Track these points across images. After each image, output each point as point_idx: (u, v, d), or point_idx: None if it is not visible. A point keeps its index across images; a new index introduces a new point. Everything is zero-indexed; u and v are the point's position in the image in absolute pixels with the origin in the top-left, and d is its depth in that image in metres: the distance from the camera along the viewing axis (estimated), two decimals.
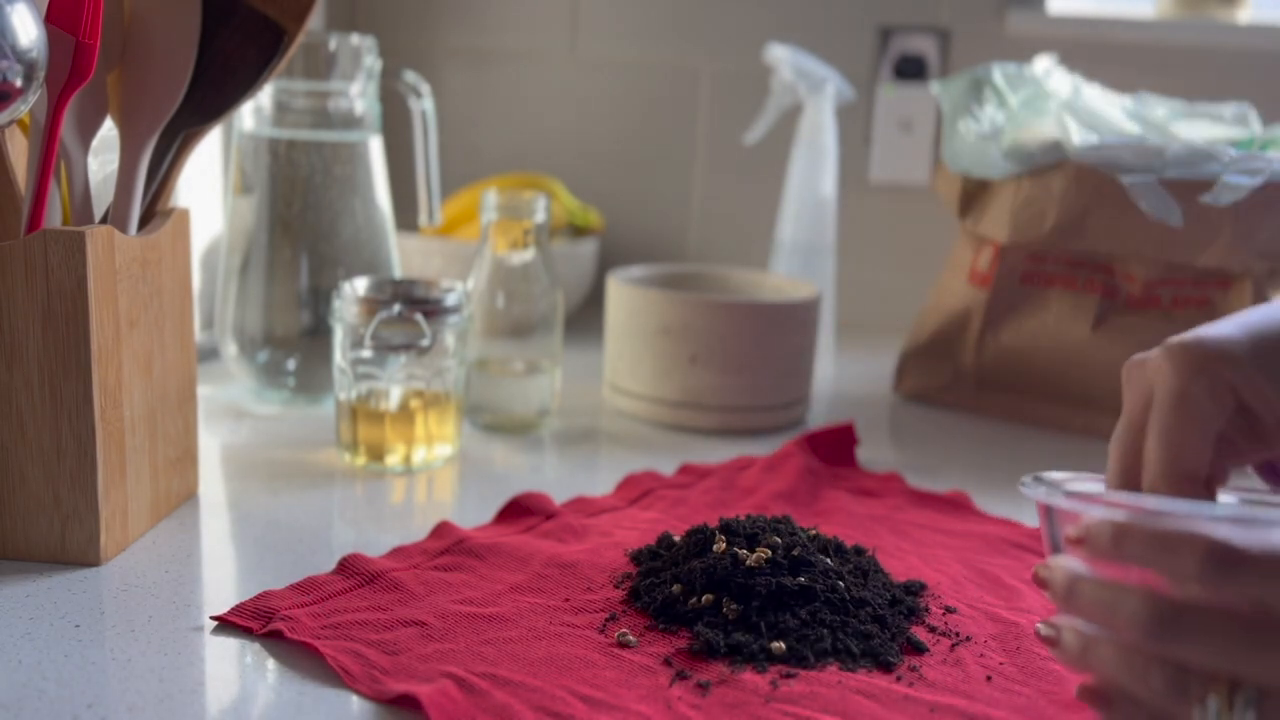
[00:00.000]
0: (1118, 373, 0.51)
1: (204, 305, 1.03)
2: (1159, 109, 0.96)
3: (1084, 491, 0.44)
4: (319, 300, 0.84)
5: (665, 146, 1.32)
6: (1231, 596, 0.36)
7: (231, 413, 0.84)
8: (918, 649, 0.51)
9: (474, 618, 0.52)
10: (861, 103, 1.22)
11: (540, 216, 0.82)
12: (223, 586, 0.55)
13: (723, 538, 0.56)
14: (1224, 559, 0.36)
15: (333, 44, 0.83)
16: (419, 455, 0.74)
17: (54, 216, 0.56)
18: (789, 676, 0.48)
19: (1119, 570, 0.40)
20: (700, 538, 0.57)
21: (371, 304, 0.71)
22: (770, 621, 0.51)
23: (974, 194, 0.95)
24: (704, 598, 0.52)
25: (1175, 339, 0.45)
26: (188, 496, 0.66)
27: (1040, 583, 0.43)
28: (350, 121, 0.85)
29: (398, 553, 0.59)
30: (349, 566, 0.56)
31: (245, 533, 0.62)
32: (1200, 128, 0.92)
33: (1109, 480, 0.48)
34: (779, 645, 0.49)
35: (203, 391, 0.87)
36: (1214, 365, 0.44)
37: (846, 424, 0.80)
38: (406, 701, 0.44)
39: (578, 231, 1.23)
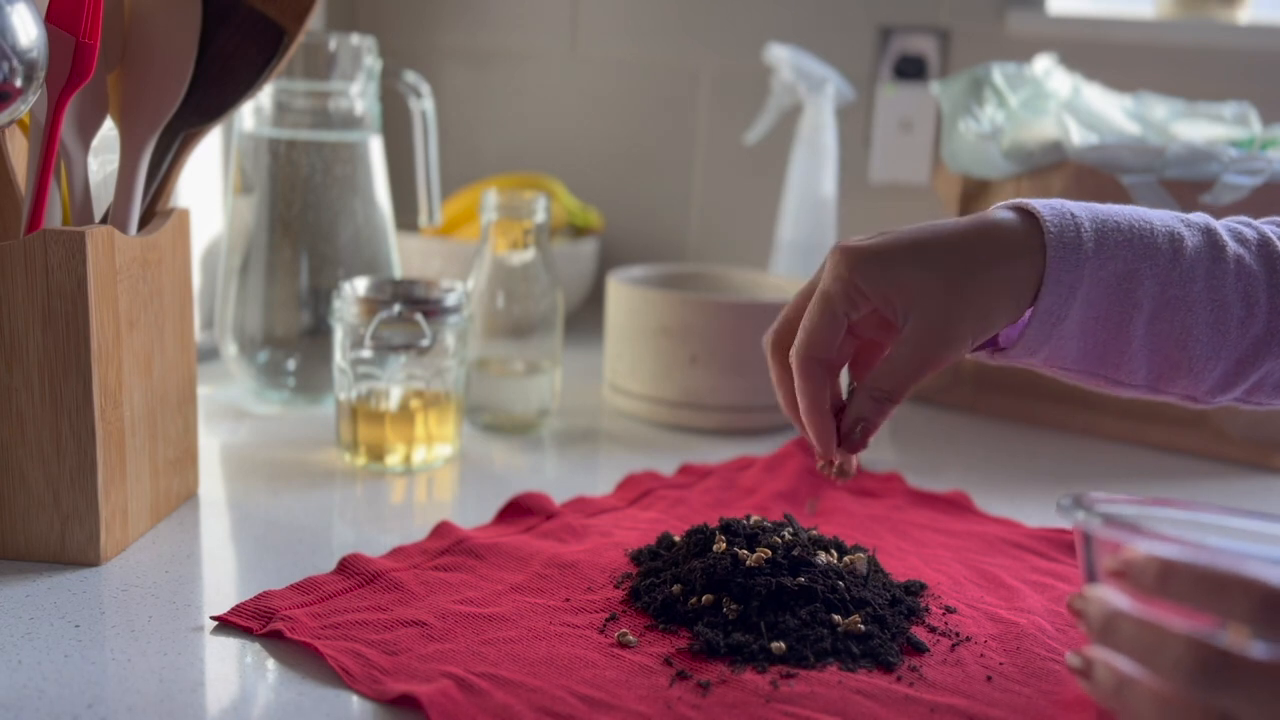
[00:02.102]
0: None
1: (204, 305, 1.03)
2: (1159, 109, 0.96)
3: (1123, 517, 0.43)
4: (319, 300, 0.84)
5: (665, 146, 1.32)
6: None
7: (231, 413, 0.84)
8: (918, 649, 0.51)
9: (474, 618, 0.52)
10: (861, 103, 1.22)
11: (540, 216, 0.82)
12: (223, 586, 0.55)
13: (723, 538, 0.56)
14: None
15: (333, 44, 0.83)
16: (419, 455, 0.74)
17: (54, 216, 0.56)
18: (789, 676, 0.48)
19: (1161, 607, 0.38)
20: (700, 538, 0.57)
21: (371, 304, 0.71)
22: (770, 621, 0.51)
23: (974, 194, 0.95)
24: (704, 598, 0.52)
25: (841, 242, 0.51)
26: (188, 496, 0.66)
27: (1075, 614, 0.42)
28: (350, 121, 0.85)
29: (398, 553, 0.59)
30: (349, 566, 0.56)
31: (245, 533, 0.62)
32: (1200, 128, 0.92)
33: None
34: (779, 645, 0.49)
35: (203, 391, 0.87)
36: (849, 269, 0.50)
37: None
38: (406, 701, 0.44)
39: (578, 231, 1.23)
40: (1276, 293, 0.50)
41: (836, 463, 0.54)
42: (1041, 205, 0.50)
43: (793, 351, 0.52)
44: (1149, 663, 0.38)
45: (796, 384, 0.52)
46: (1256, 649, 0.35)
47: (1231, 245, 0.51)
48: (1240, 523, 0.45)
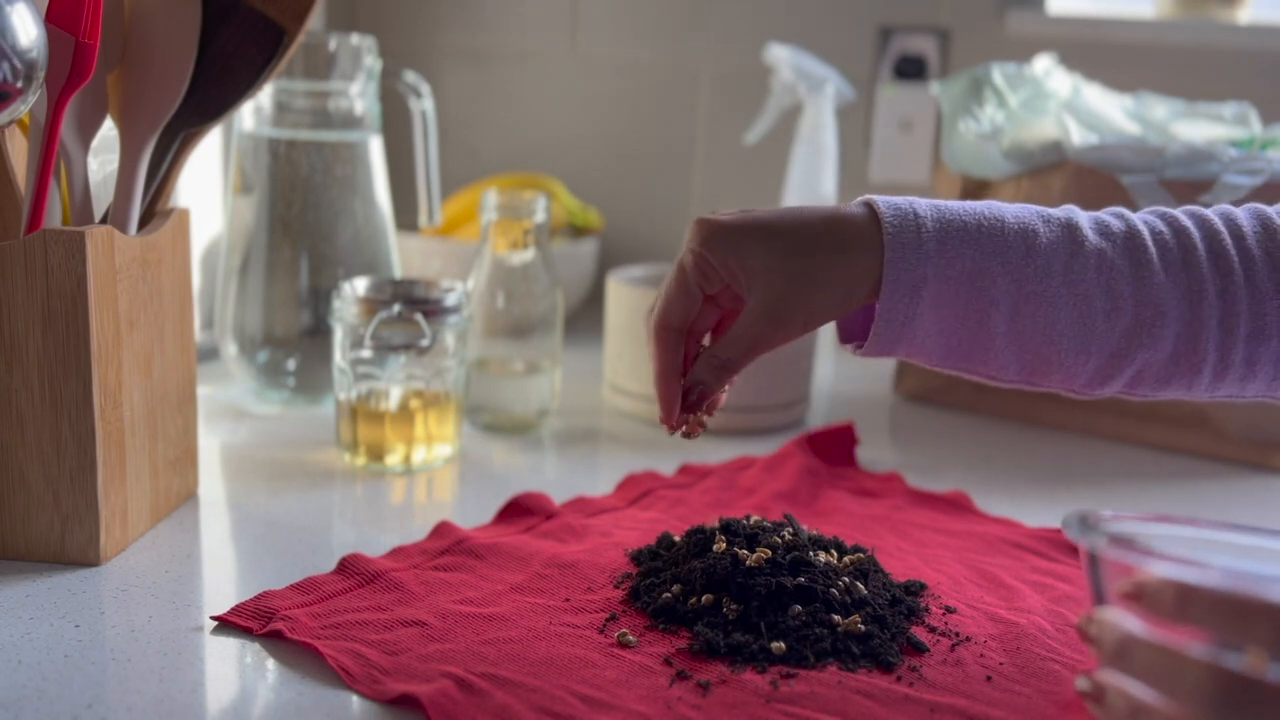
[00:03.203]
0: None
1: (204, 305, 1.03)
2: (1159, 109, 0.96)
3: (1131, 536, 0.42)
4: (319, 300, 0.84)
5: (665, 146, 1.32)
6: None
7: (231, 413, 0.84)
8: (918, 649, 0.51)
9: (474, 618, 0.52)
10: (861, 103, 1.22)
11: (540, 216, 0.82)
12: (223, 586, 0.55)
13: (723, 538, 0.56)
14: None
15: (333, 44, 0.83)
16: (419, 455, 0.74)
17: (54, 216, 0.56)
18: (789, 676, 0.48)
19: (1177, 632, 0.37)
20: (700, 538, 0.57)
21: (371, 304, 0.71)
22: (770, 621, 0.51)
23: (974, 194, 0.94)
24: (704, 598, 0.52)
25: (700, 215, 0.53)
26: (188, 496, 0.66)
27: (1085, 638, 0.41)
28: (350, 121, 0.85)
29: (398, 553, 0.59)
30: (349, 566, 0.56)
31: (245, 533, 0.62)
32: (1200, 128, 0.92)
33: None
34: (779, 645, 0.49)
35: (203, 391, 0.87)
36: (700, 242, 0.52)
37: (846, 424, 0.80)
38: (406, 701, 0.44)
39: (578, 231, 1.23)
40: (1141, 284, 0.50)
41: (679, 430, 0.56)
42: (884, 203, 0.51)
43: (648, 320, 0.55)
44: (1166, 688, 0.37)
45: (649, 349, 0.55)
46: (1277, 673, 0.34)
47: (1092, 239, 0.51)
48: (1246, 539, 0.45)
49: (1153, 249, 0.51)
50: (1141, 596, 0.38)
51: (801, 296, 0.51)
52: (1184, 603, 0.37)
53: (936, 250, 0.50)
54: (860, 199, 0.53)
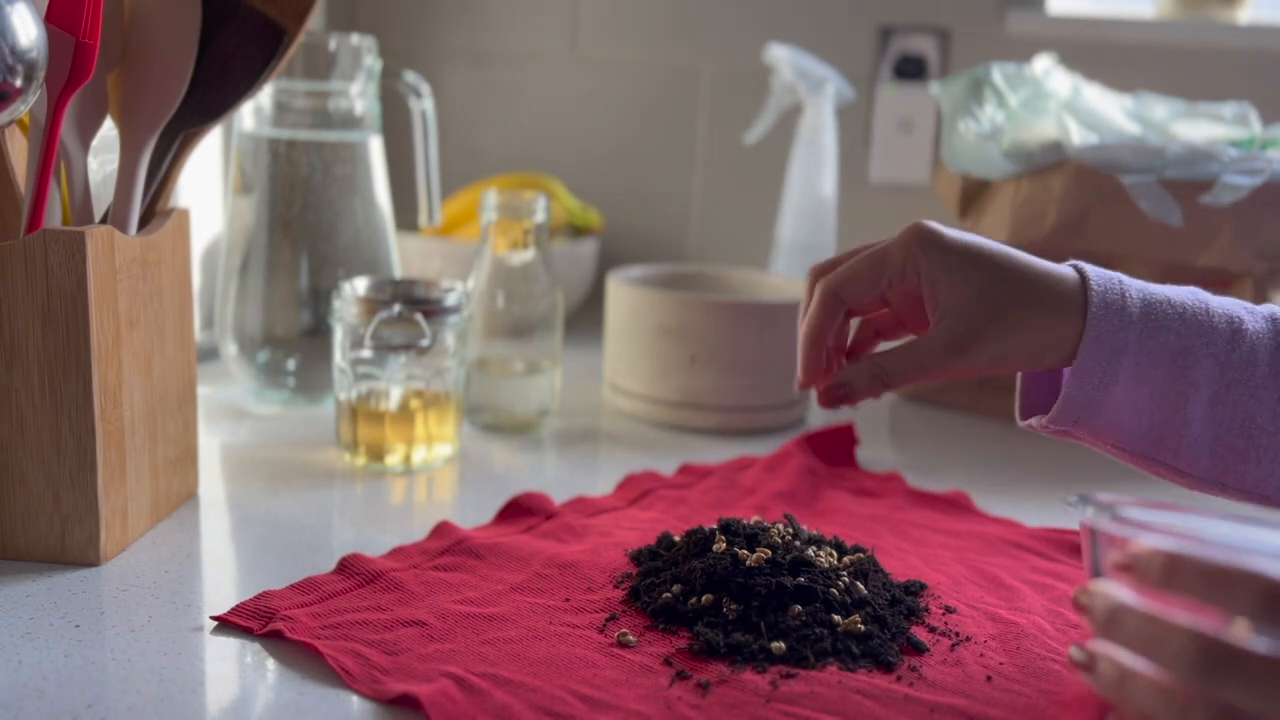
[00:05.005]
0: None
1: (204, 305, 1.03)
2: (1159, 109, 0.96)
3: (1130, 514, 0.43)
4: (319, 300, 0.84)
5: (665, 146, 1.32)
6: None
7: (231, 413, 0.84)
8: (918, 649, 0.51)
9: (474, 618, 0.52)
10: (861, 103, 1.22)
11: (540, 216, 0.82)
12: (223, 586, 0.55)
13: (722, 538, 0.56)
14: None
15: (333, 44, 0.83)
16: (419, 455, 0.74)
17: (54, 216, 0.56)
18: (789, 676, 0.48)
19: (1165, 601, 0.38)
20: (700, 538, 0.57)
21: (371, 304, 0.71)
22: (770, 621, 0.51)
23: (974, 194, 0.95)
24: (704, 598, 0.52)
25: (925, 221, 0.53)
26: (188, 496, 0.66)
27: (1079, 608, 0.42)
28: (350, 121, 0.85)
29: (398, 553, 0.59)
30: (349, 566, 0.56)
31: (245, 533, 0.62)
32: (1200, 128, 0.92)
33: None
34: (779, 645, 0.49)
35: (203, 391, 0.87)
36: (919, 246, 0.51)
37: (846, 424, 0.80)
38: (406, 701, 0.44)
39: (578, 231, 1.23)
40: None
41: (806, 391, 0.56)
42: (1092, 269, 0.51)
43: (823, 281, 0.54)
44: (1151, 654, 0.38)
45: (811, 307, 0.54)
46: (1258, 643, 0.35)
47: None
48: (1243, 530, 0.45)
49: None
50: (1133, 567, 0.39)
51: (995, 336, 0.50)
52: (1172, 572, 0.38)
53: (1141, 318, 0.49)
54: (1069, 262, 0.52)
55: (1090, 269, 0.51)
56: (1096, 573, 0.43)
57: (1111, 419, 0.50)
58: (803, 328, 0.55)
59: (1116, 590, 0.40)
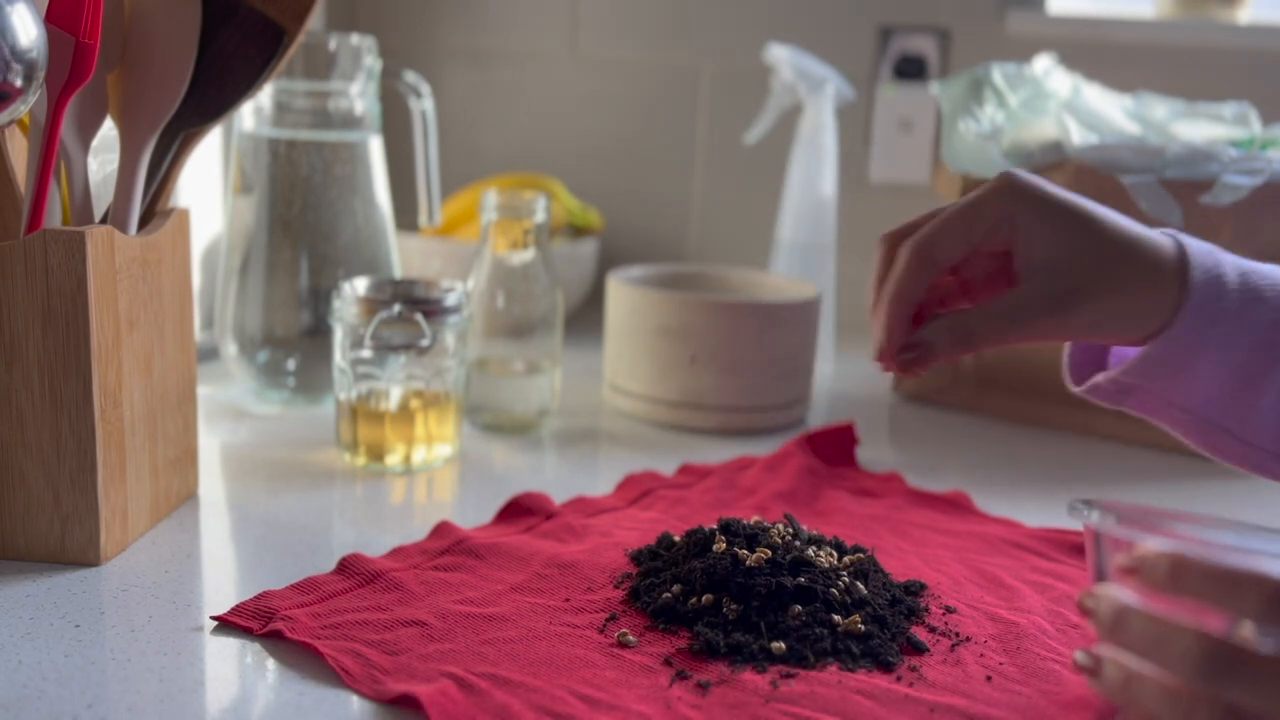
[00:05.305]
0: None
1: (204, 305, 1.03)
2: (1159, 109, 0.96)
3: (1134, 517, 0.43)
4: (319, 300, 0.84)
5: (665, 146, 1.32)
6: None
7: (231, 413, 0.84)
8: (918, 649, 0.51)
9: (474, 618, 0.52)
10: (861, 103, 1.22)
11: (540, 216, 0.82)
12: (223, 586, 0.55)
13: (722, 538, 0.56)
14: None
15: (333, 44, 0.83)
16: (419, 455, 0.74)
17: (54, 216, 0.56)
18: (789, 676, 0.48)
19: (1170, 604, 0.38)
20: (700, 538, 0.57)
21: (371, 304, 0.71)
22: (770, 621, 0.51)
23: None
24: (704, 598, 0.52)
25: (1015, 171, 0.50)
26: (187, 496, 0.66)
27: (1084, 612, 0.42)
28: (350, 121, 0.85)
29: (398, 553, 0.59)
30: (349, 566, 0.56)
31: (245, 533, 0.62)
32: (1200, 128, 0.92)
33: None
34: (779, 645, 0.49)
35: (203, 391, 0.87)
36: (1013, 197, 0.49)
37: (846, 424, 0.80)
38: (406, 701, 0.44)
39: (578, 231, 1.23)
40: None
41: (884, 364, 0.52)
42: (1189, 237, 0.50)
43: (911, 239, 0.50)
44: (1157, 656, 0.38)
45: (896, 269, 0.50)
46: (1264, 644, 0.35)
47: None
48: (1248, 541, 0.45)
49: None
50: (1139, 570, 0.39)
51: (1094, 295, 0.48)
52: (1177, 574, 0.37)
53: (1239, 289, 0.48)
54: (1162, 230, 0.51)
55: (1186, 236, 0.50)
56: (1101, 577, 0.43)
57: (1186, 382, 0.49)
58: (887, 289, 0.51)
59: (1121, 593, 0.40)
